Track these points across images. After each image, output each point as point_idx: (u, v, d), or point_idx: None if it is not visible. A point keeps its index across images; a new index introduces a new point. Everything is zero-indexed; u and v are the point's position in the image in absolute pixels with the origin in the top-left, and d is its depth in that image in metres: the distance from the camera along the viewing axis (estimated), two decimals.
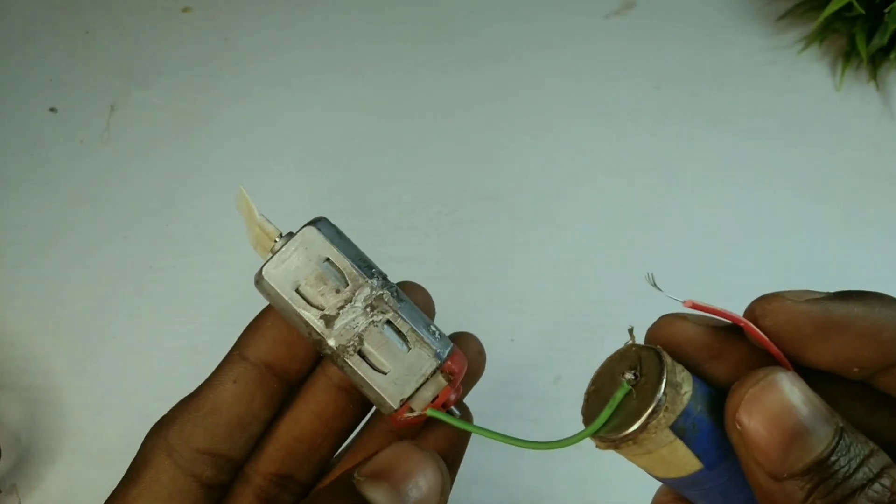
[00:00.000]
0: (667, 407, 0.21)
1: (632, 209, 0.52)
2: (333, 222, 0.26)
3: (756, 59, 0.57)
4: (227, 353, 0.27)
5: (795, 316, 0.22)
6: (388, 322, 0.25)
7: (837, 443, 0.20)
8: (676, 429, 0.21)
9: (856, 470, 0.20)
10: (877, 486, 0.20)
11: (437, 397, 0.25)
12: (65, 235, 0.52)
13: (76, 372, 0.48)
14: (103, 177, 0.55)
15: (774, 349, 0.22)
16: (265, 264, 0.25)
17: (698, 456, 0.22)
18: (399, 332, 0.25)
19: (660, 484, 0.26)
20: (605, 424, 0.22)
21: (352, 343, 0.24)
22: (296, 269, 0.25)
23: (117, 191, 0.54)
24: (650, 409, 0.21)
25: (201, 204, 0.53)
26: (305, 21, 0.61)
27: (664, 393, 0.21)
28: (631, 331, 0.24)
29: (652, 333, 0.24)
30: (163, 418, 0.26)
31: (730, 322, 0.23)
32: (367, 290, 0.25)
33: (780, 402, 0.21)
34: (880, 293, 0.22)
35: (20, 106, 0.58)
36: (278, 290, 0.25)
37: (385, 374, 0.24)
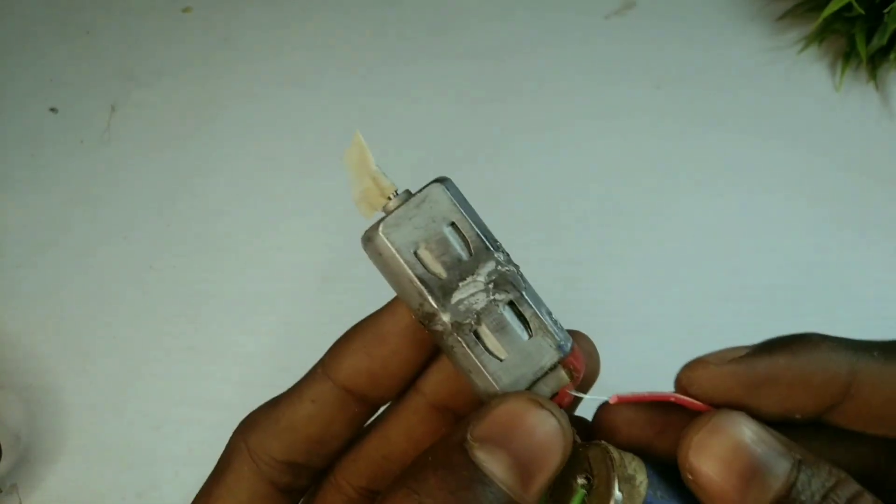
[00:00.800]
0: None
1: (632, 209, 0.52)
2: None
3: (756, 59, 0.57)
4: (312, 367, 0.25)
5: (722, 381, 0.22)
6: (511, 303, 0.22)
7: (797, 477, 0.20)
8: None
9: (821, 503, 0.19)
10: None
11: (555, 394, 0.22)
12: (65, 235, 0.52)
13: (76, 372, 0.48)
14: (103, 177, 0.55)
15: (712, 409, 0.22)
16: (382, 220, 0.22)
17: None
18: (521, 317, 0.22)
19: None
20: None
21: (468, 321, 0.22)
22: (417, 230, 0.22)
23: (117, 191, 0.54)
24: None
25: (201, 204, 0.53)
26: (305, 21, 0.61)
27: (619, 490, 0.21)
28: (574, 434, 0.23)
29: (596, 425, 0.24)
30: (246, 420, 0.26)
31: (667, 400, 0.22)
32: (491, 265, 0.22)
33: (729, 444, 0.20)
34: (807, 335, 0.22)
35: (20, 106, 0.58)
36: (394, 251, 0.22)
37: (501, 360, 0.22)
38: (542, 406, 0.21)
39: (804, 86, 0.56)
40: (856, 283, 0.49)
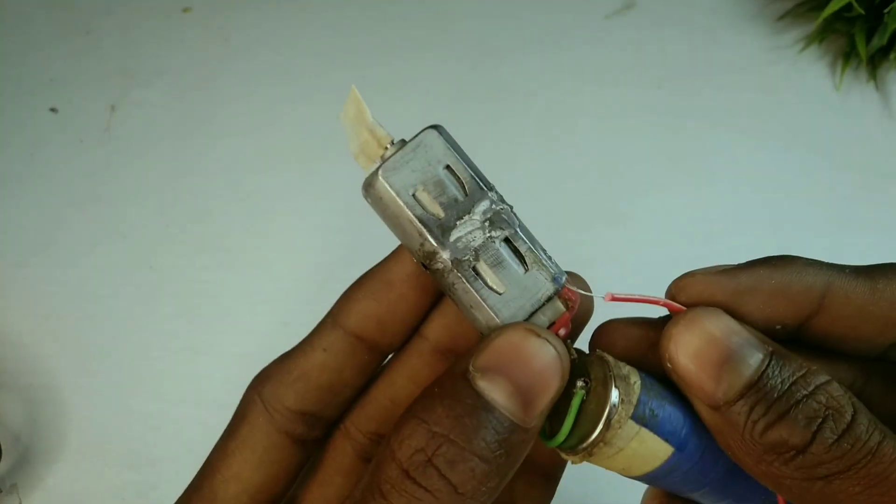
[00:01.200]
0: (622, 399, 0.22)
1: (631, 208, 0.52)
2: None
3: (756, 59, 0.57)
4: (322, 319, 0.26)
5: (708, 287, 0.23)
6: (506, 240, 0.23)
7: (768, 365, 0.21)
8: (637, 417, 0.22)
9: (790, 388, 0.21)
10: (812, 402, 0.20)
11: (553, 324, 0.23)
12: (65, 235, 0.52)
13: (76, 372, 0.48)
14: (103, 177, 0.55)
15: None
16: (381, 165, 0.23)
17: (666, 440, 0.22)
18: (516, 252, 0.23)
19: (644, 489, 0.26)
20: (570, 435, 0.22)
21: (467, 258, 0.22)
22: (414, 173, 0.23)
23: (117, 190, 0.54)
24: (608, 406, 0.22)
25: (201, 204, 0.53)
26: (305, 21, 0.61)
27: (616, 387, 0.22)
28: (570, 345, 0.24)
29: (592, 343, 0.25)
30: (260, 374, 0.26)
31: (657, 308, 0.24)
32: (486, 203, 0.23)
33: (702, 336, 0.22)
34: (785, 255, 0.24)
35: (20, 106, 0.58)
36: (394, 194, 0.22)
37: (499, 294, 0.23)
38: (539, 335, 0.22)
39: (804, 86, 0.56)
40: None
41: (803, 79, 0.56)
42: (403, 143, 0.23)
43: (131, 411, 0.47)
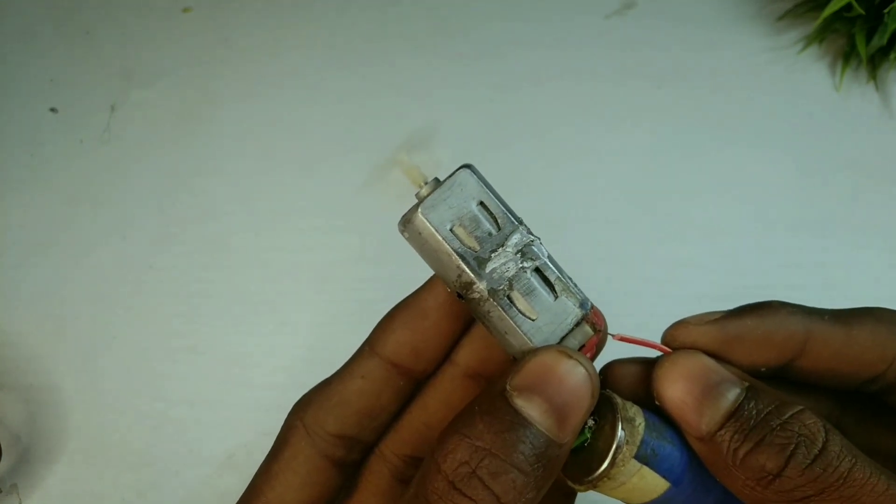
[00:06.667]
0: (628, 441, 0.24)
1: (631, 208, 0.52)
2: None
3: (756, 59, 0.57)
4: (360, 347, 0.28)
5: (698, 338, 0.26)
6: (537, 269, 0.25)
7: (745, 397, 0.23)
8: (640, 457, 0.24)
9: (765, 417, 0.23)
10: (786, 429, 0.22)
11: (582, 346, 0.25)
12: (65, 235, 0.53)
13: (76, 372, 0.48)
14: (103, 177, 0.55)
15: None
16: (419, 204, 0.24)
17: (664, 476, 0.24)
18: (546, 280, 0.25)
19: None
20: (578, 468, 0.25)
21: (502, 287, 0.24)
22: (451, 210, 0.24)
23: (117, 191, 0.54)
24: (615, 446, 0.24)
25: (201, 204, 0.53)
26: (305, 21, 0.61)
27: (622, 429, 0.24)
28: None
29: (601, 378, 0.26)
30: (301, 400, 0.28)
31: (656, 351, 0.26)
32: (517, 236, 0.25)
33: (685, 372, 0.24)
34: (770, 302, 0.26)
35: (20, 106, 0.58)
36: (433, 230, 0.24)
37: (532, 320, 0.24)
38: (570, 356, 0.23)
39: (804, 86, 0.56)
40: (855, 282, 0.49)
41: (803, 79, 0.56)
42: (438, 181, 0.25)
43: (131, 411, 0.47)
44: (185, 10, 0.61)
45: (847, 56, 0.55)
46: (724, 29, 0.58)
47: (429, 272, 0.26)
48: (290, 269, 0.51)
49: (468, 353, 0.28)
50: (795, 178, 0.53)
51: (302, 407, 0.27)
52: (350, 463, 0.28)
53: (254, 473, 0.28)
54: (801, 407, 0.23)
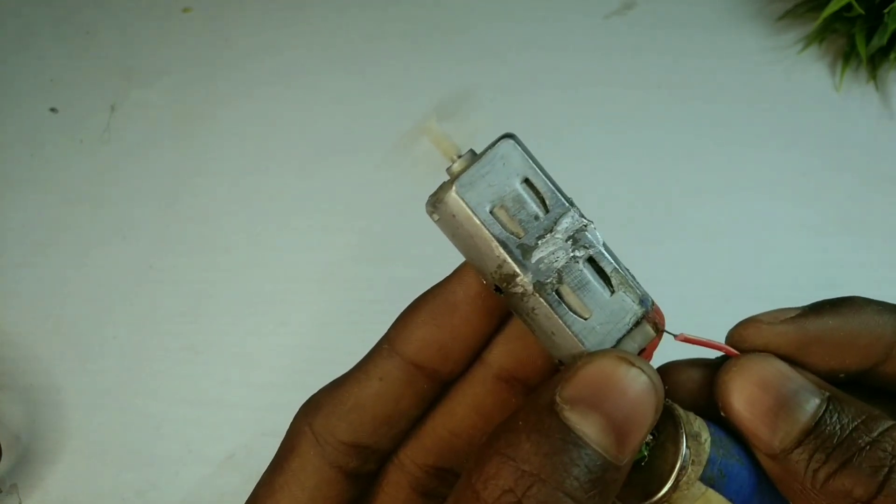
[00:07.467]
0: (693, 460, 0.20)
1: (631, 208, 0.52)
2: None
3: (756, 59, 0.57)
4: (376, 345, 0.24)
5: (773, 339, 0.22)
6: (590, 259, 0.21)
7: (825, 410, 0.20)
8: (705, 479, 0.20)
9: (850, 434, 0.20)
10: (877, 450, 0.19)
11: (643, 350, 0.21)
12: (65, 235, 0.52)
13: (76, 372, 0.48)
14: (103, 177, 0.55)
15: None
16: (453, 181, 0.20)
17: (731, 499, 0.21)
18: (601, 272, 0.21)
19: None
20: (634, 489, 0.21)
21: (549, 280, 0.20)
22: (491, 188, 0.20)
23: (117, 191, 0.54)
24: (678, 466, 0.20)
25: (201, 204, 0.53)
26: (305, 21, 0.61)
27: (687, 446, 0.20)
28: None
29: None
30: (309, 403, 0.24)
31: (720, 353, 0.23)
32: (568, 220, 0.21)
33: (756, 382, 0.21)
34: (853, 298, 0.23)
35: (20, 106, 0.58)
36: (470, 212, 0.20)
37: (585, 319, 0.20)
38: (632, 363, 0.20)
39: (804, 86, 0.56)
40: (856, 282, 0.48)
41: (803, 79, 0.56)
42: (474, 154, 0.21)
43: (131, 411, 0.47)
44: (185, 10, 0.61)
45: (847, 56, 0.55)
46: (724, 29, 0.58)
47: (445, 265, 0.23)
48: (290, 269, 0.51)
49: (502, 353, 0.24)
50: (795, 178, 0.53)
51: (310, 410, 0.24)
52: (365, 474, 0.24)
53: (253, 474, 0.25)
54: (892, 422, 0.20)
